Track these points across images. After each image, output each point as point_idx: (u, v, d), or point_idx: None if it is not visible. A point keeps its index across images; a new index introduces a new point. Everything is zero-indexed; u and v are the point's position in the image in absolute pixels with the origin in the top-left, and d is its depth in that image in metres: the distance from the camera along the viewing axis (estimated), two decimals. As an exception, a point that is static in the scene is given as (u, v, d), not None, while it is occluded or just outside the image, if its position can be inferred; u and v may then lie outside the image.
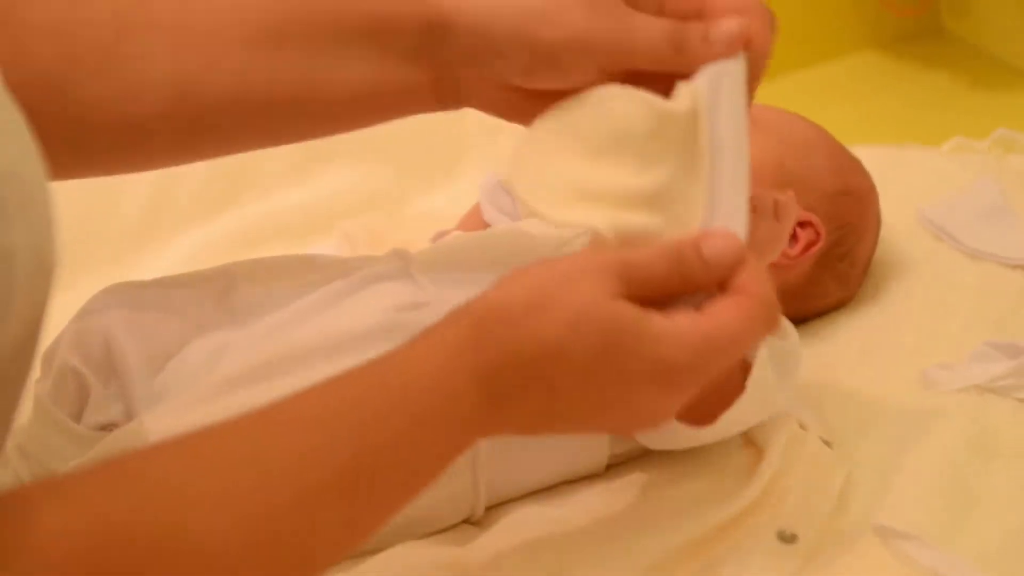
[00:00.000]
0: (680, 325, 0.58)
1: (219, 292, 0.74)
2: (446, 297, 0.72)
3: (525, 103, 0.67)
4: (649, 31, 0.64)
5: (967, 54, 1.27)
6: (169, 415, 0.67)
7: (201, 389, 0.69)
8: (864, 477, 0.72)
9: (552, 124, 0.64)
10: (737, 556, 0.67)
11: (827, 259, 0.85)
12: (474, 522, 0.74)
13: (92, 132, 0.69)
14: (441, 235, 0.91)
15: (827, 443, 0.73)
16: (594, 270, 0.59)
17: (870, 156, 1.01)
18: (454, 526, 0.74)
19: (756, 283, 0.60)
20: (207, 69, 0.68)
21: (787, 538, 0.67)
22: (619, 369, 0.58)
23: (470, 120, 1.11)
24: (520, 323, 0.58)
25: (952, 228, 0.89)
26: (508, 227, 0.81)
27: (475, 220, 0.90)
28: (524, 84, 0.66)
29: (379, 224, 0.98)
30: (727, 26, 0.64)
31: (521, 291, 0.59)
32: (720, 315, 0.59)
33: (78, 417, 0.71)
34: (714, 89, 0.62)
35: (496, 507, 0.74)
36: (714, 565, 0.67)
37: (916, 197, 0.92)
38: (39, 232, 0.49)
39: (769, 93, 1.26)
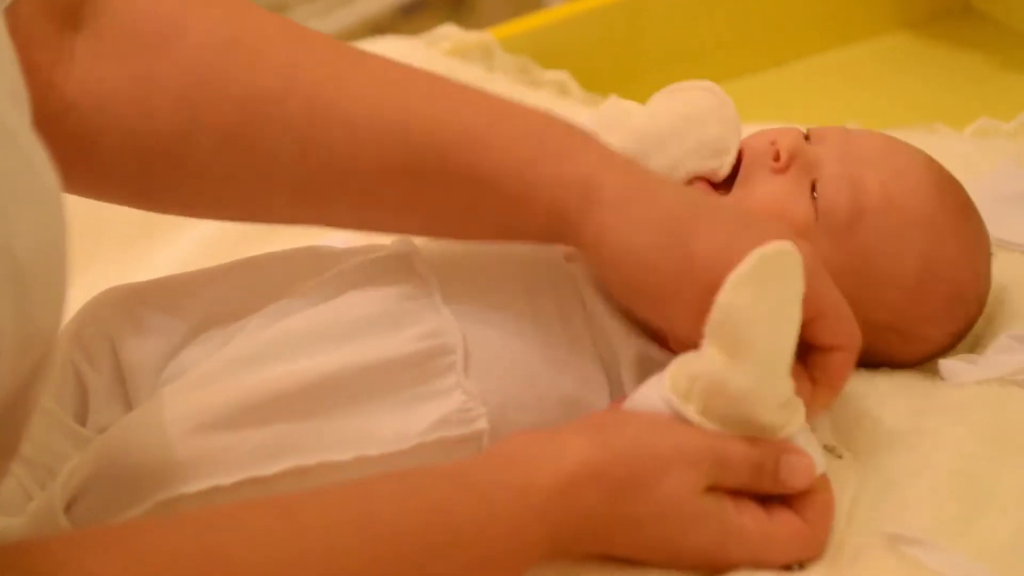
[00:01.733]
0: (747, 525, 0.64)
1: (224, 291, 0.74)
2: (448, 286, 0.71)
3: None
4: None
5: (997, 33, 1.24)
6: (170, 400, 0.67)
7: (205, 371, 0.69)
8: (872, 478, 0.69)
9: None
10: None
11: None
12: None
13: (206, 192, 0.69)
14: None
15: (831, 450, 0.71)
16: (688, 462, 0.63)
17: (892, 140, 0.98)
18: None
19: (822, 514, 0.65)
20: (335, 182, 0.68)
21: (794, 568, 0.65)
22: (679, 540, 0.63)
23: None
24: (611, 498, 0.62)
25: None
26: None
27: None
28: None
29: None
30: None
31: (617, 468, 0.62)
32: (781, 527, 0.64)
33: (82, 420, 0.70)
34: None
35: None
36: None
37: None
38: (31, 310, 0.48)
39: (797, 74, 1.25)
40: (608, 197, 0.66)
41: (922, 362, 0.80)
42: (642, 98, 1.21)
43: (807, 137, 0.78)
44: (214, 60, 0.67)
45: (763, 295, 0.63)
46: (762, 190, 0.75)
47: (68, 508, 0.64)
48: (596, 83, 1.18)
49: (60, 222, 0.50)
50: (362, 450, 0.66)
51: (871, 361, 0.78)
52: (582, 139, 0.68)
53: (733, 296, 0.62)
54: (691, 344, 0.64)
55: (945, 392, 0.75)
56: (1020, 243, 0.87)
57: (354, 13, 1.76)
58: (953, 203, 0.78)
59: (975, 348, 0.81)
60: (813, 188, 0.75)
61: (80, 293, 0.89)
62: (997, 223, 0.88)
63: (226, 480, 0.64)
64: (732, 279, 0.62)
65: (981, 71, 1.20)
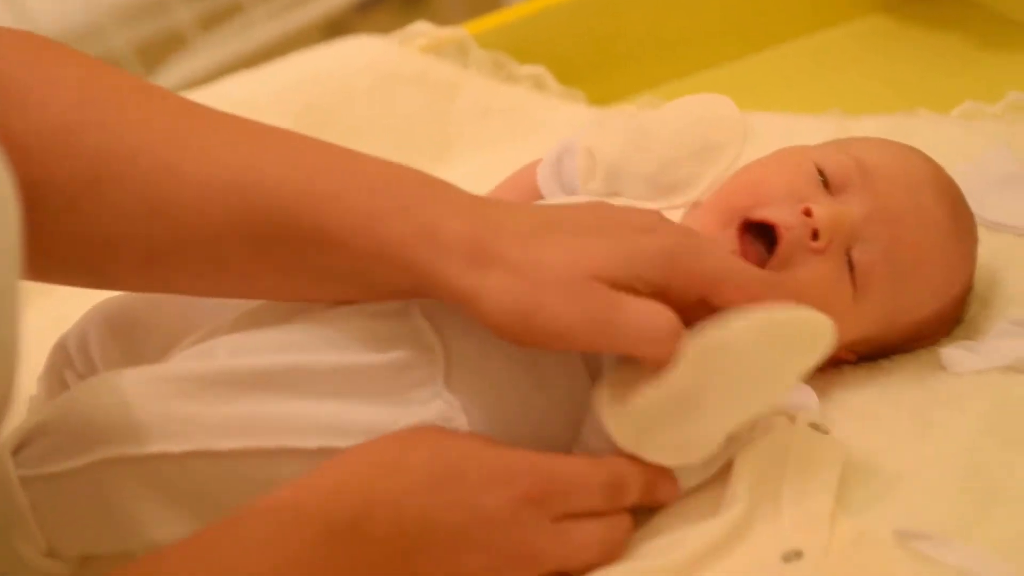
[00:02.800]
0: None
1: (208, 307, 0.74)
2: (427, 304, 0.70)
3: None
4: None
5: (976, 14, 1.22)
6: (135, 370, 0.66)
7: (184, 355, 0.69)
8: (876, 475, 0.67)
9: None
10: None
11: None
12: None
13: (54, 255, 0.67)
14: None
15: (816, 427, 0.69)
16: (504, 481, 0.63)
17: (878, 127, 0.97)
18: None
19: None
20: (181, 246, 0.66)
21: (791, 557, 0.62)
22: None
23: (459, 105, 1.08)
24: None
25: (967, 199, 0.85)
26: None
27: (526, 182, 0.85)
28: None
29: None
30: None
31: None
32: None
33: None
34: None
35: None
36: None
37: (927, 167, 0.88)
38: None
39: (776, 60, 1.24)
40: (453, 245, 0.64)
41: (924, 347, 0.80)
42: (619, 90, 1.21)
43: (823, 175, 0.75)
44: (67, 118, 0.66)
45: (760, 349, 0.62)
46: (804, 274, 0.72)
47: (17, 451, 0.64)
48: (573, 77, 1.17)
49: (15, 274, 0.49)
50: (329, 441, 0.65)
51: (873, 355, 0.78)
52: (430, 189, 0.67)
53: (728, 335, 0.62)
54: None
55: (947, 383, 0.74)
56: (1013, 225, 0.86)
57: (309, 11, 1.75)
58: (962, 226, 0.78)
59: (972, 333, 0.79)
60: (848, 254, 0.74)
61: (50, 308, 0.87)
62: (990, 205, 0.87)
63: (175, 448, 0.63)
64: (744, 321, 0.62)
65: (960, 52, 1.19)
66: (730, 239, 0.73)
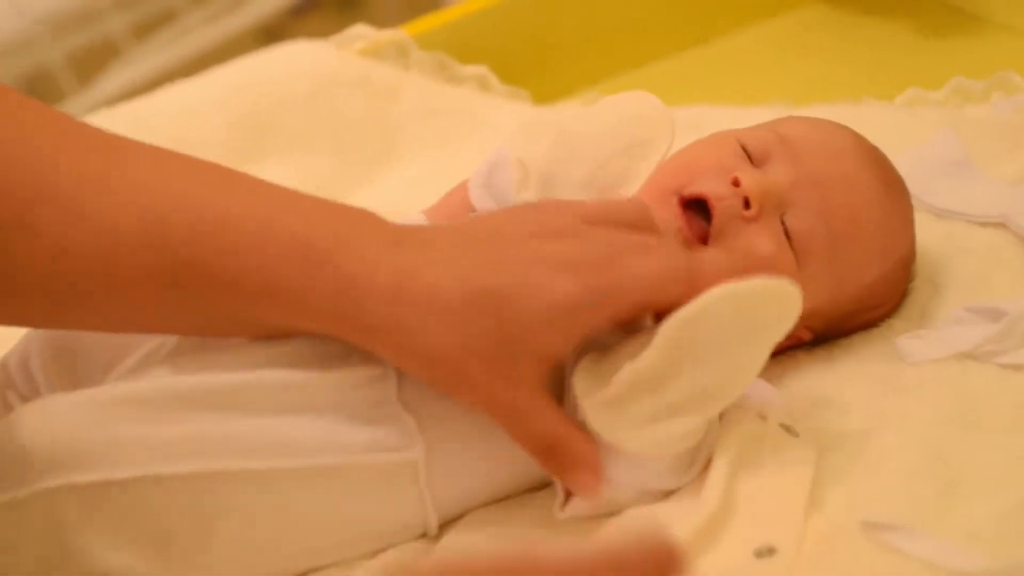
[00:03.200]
0: None
1: None
2: None
3: None
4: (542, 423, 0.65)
5: (919, 0, 1.22)
6: (74, 394, 0.66)
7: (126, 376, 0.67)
8: (839, 465, 0.67)
9: None
10: None
11: None
12: (431, 538, 0.70)
13: None
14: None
15: (788, 428, 0.69)
16: None
17: (824, 115, 0.96)
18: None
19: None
20: (91, 292, 0.64)
21: (764, 553, 0.62)
22: None
23: (402, 107, 1.07)
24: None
25: (915, 186, 0.85)
26: None
27: (458, 200, 0.84)
28: None
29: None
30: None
31: None
32: None
33: None
34: None
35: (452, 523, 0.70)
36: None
37: (875, 156, 0.88)
38: None
39: (720, 52, 1.23)
40: (374, 305, 0.63)
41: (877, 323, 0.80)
42: (564, 87, 1.20)
43: (746, 151, 0.76)
44: None
45: (734, 320, 0.62)
46: (743, 244, 0.73)
47: None
48: (516, 75, 1.16)
49: None
50: (280, 461, 0.64)
51: (828, 333, 0.78)
52: (350, 233, 0.65)
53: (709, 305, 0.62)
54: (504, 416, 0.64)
55: (905, 372, 0.74)
56: (962, 212, 0.86)
57: (243, 17, 1.74)
58: (893, 187, 0.80)
59: (925, 321, 0.79)
60: (782, 221, 0.74)
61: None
62: (938, 192, 0.87)
63: (120, 474, 0.62)
64: (718, 291, 0.62)
65: (903, 39, 1.18)
66: (674, 215, 0.74)
